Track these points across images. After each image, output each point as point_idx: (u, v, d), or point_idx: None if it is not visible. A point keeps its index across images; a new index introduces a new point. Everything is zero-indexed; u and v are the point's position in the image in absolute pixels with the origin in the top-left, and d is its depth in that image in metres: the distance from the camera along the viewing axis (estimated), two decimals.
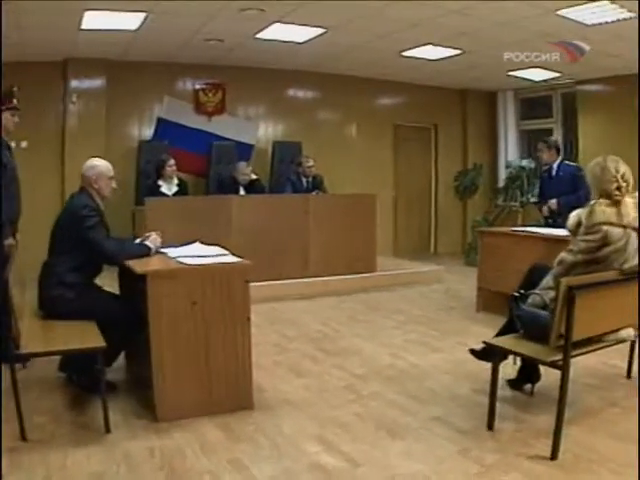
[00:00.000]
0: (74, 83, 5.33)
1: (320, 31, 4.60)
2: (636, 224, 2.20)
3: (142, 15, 4.14)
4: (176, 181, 4.94)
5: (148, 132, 5.63)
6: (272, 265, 4.57)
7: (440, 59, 5.48)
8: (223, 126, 5.83)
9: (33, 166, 5.14)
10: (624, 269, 2.16)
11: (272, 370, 2.91)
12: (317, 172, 5.37)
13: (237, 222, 4.49)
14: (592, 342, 2.14)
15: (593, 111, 6.12)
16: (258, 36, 4.74)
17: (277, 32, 4.63)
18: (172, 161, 4.88)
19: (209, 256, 2.51)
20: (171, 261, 2.48)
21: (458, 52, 5.23)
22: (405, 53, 5.28)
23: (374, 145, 6.64)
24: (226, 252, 2.61)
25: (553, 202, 4.00)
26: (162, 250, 2.68)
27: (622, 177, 2.21)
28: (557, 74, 5.82)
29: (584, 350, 2.10)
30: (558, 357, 1.97)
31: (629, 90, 5.57)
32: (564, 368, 1.97)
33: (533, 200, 5.49)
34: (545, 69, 5.61)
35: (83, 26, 4.31)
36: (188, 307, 2.28)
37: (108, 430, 2.13)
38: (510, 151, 6.96)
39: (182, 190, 4.94)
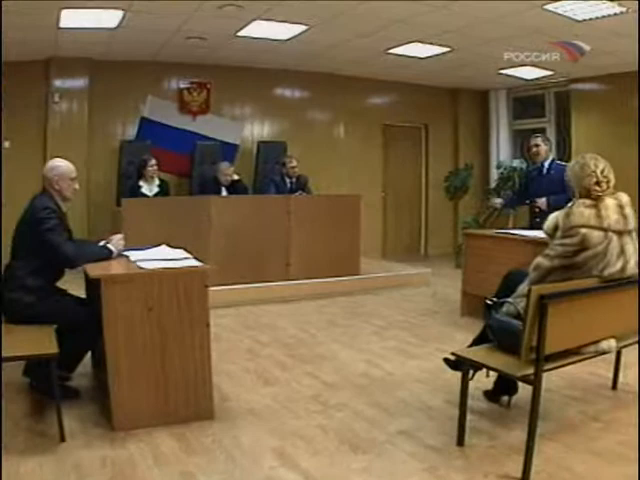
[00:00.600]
0: (57, 82, 5.25)
1: (302, 28, 4.50)
2: (618, 227, 2.06)
3: (120, 13, 4.05)
4: (157, 182, 4.84)
5: (131, 132, 5.53)
6: (252, 267, 4.48)
7: (428, 57, 5.36)
8: (207, 126, 5.73)
9: (16, 166, 5.06)
10: (604, 276, 2.04)
11: (240, 378, 2.80)
12: (301, 172, 5.26)
13: (216, 223, 4.37)
14: (569, 354, 2.00)
15: (586, 110, 5.99)
16: (240, 34, 4.64)
17: (258, 30, 4.53)
18: (153, 161, 4.78)
19: (170, 260, 2.40)
20: (130, 265, 2.37)
21: (446, 50, 5.11)
22: (391, 51, 5.17)
23: (363, 145, 6.53)
24: (189, 256, 2.50)
25: (542, 201, 3.84)
26: (125, 253, 2.59)
27: (601, 172, 2.10)
28: (549, 72, 5.70)
29: (559, 363, 1.96)
30: (530, 371, 1.84)
31: (623, 89, 5.44)
32: (536, 384, 1.84)
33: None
34: (538, 67, 5.49)
35: (61, 25, 4.23)
36: (144, 313, 2.19)
37: (63, 439, 2.07)
38: (502, 151, 6.84)
39: (163, 191, 4.84)
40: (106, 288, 2.15)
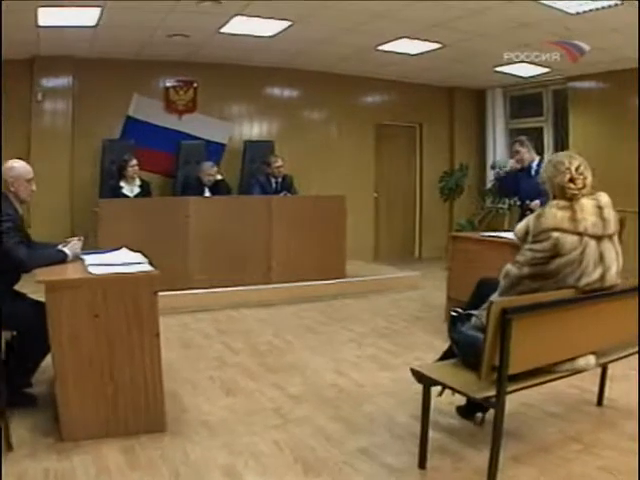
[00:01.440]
0: (40, 81, 5.14)
1: (285, 24, 4.36)
2: (596, 231, 1.86)
3: (97, 10, 3.95)
4: (138, 182, 4.73)
5: (116, 131, 5.42)
6: (233, 270, 4.36)
7: (419, 54, 5.20)
8: (194, 125, 5.61)
9: None
10: (580, 286, 1.85)
11: (203, 387, 2.68)
12: (288, 173, 5.13)
13: (195, 225, 4.26)
14: (541, 373, 1.83)
15: (584, 109, 5.79)
16: (222, 31, 4.52)
17: (241, 26, 4.39)
18: (134, 161, 4.67)
19: (122, 264, 2.29)
20: (79, 270, 2.27)
21: (437, 46, 4.95)
22: (380, 47, 5.01)
23: (355, 145, 6.35)
24: (144, 260, 2.38)
25: (536, 203, 3.66)
26: (82, 256, 2.49)
27: (576, 169, 1.91)
28: (546, 70, 5.51)
29: (528, 383, 1.78)
30: (492, 392, 1.67)
31: (622, 87, 5.25)
32: (498, 407, 1.67)
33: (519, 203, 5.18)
34: (534, 65, 5.31)
35: (41, 23, 4.13)
36: (89, 320, 2.09)
37: (10, 448, 1.99)
38: (499, 151, 6.63)
39: (144, 191, 4.73)
40: (50, 293, 2.07)
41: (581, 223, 1.85)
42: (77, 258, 2.48)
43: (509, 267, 1.95)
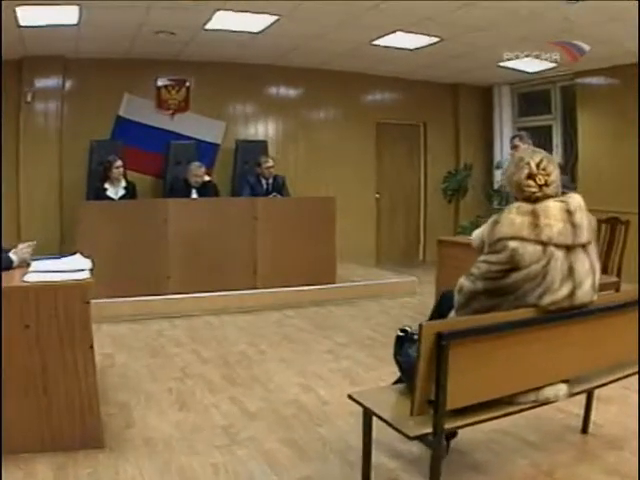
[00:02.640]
0: (30, 82, 5.08)
1: (272, 19, 4.19)
2: (563, 239, 1.57)
3: (76, 8, 3.88)
4: (123, 183, 4.65)
5: (106, 131, 5.36)
6: (215, 275, 4.21)
7: (418, 48, 4.95)
8: (186, 124, 5.49)
9: None
10: (543, 304, 1.57)
11: (158, 400, 2.54)
12: (280, 173, 4.97)
13: (175, 228, 4.14)
14: (499, 404, 1.57)
15: (593, 105, 5.41)
16: (208, 27, 4.39)
17: (226, 22, 4.24)
18: (119, 162, 4.59)
19: (57, 272, 2.17)
20: (14, 277, 2.15)
21: (435, 40, 4.70)
22: (376, 42, 4.79)
23: (355, 144, 6.11)
24: (87, 267, 2.25)
25: None
26: (31, 262, 2.39)
27: (537, 165, 1.63)
28: (552, 65, 5.17)
29: (476, 419, 1.50)
30: (427, 430, 1.41)
31: (631, 82, 4.87)
32: (435, 449, 1.43)
33: None
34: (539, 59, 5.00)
35: (21, 23, 4.08)
36: (20, 331, 1.97)
37: None
38: (506, 150, 6.29)
39: (129, 193, 4.64)
40: None
41: (544, 230, 1.56)
42: (25, 264, 2.38)
43: (462, 281, 1.69)
